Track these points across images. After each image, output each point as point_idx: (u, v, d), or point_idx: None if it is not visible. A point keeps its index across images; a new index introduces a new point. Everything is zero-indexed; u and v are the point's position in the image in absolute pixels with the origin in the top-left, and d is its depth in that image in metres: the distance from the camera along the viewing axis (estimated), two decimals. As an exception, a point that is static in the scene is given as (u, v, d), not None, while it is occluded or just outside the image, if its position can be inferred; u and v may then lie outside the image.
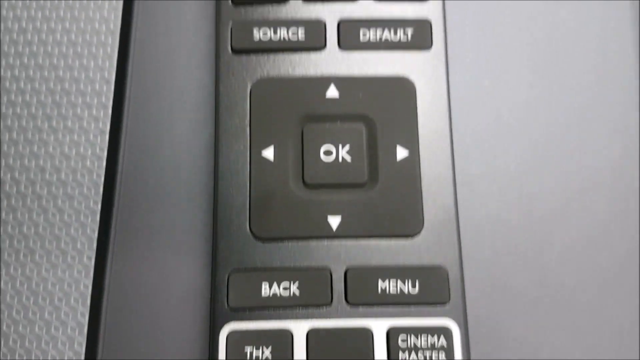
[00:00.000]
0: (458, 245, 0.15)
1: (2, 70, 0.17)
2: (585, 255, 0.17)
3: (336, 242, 0.14)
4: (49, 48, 0.18)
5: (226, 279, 0.14)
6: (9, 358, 0.15)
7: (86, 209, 0.16)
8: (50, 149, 0.17)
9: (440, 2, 0.16)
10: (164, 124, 0.17)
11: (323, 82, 0.16)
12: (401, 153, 0.15)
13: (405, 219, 0.14)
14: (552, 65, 0.18)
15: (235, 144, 0.15)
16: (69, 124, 0.17)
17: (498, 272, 0.17)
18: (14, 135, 0.17)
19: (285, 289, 0.14)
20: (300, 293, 0.14)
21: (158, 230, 0.17)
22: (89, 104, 0.17)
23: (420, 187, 0.15)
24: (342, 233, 0.14)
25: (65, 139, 0.17)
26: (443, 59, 0.16)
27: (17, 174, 0.17)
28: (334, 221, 0.14)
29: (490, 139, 0.18)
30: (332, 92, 0.16)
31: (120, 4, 0.18)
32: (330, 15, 0.16)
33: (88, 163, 0.17)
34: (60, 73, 0.17)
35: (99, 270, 0.16)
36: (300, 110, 0.15)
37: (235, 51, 0.16)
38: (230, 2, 0.16)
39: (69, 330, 0.16)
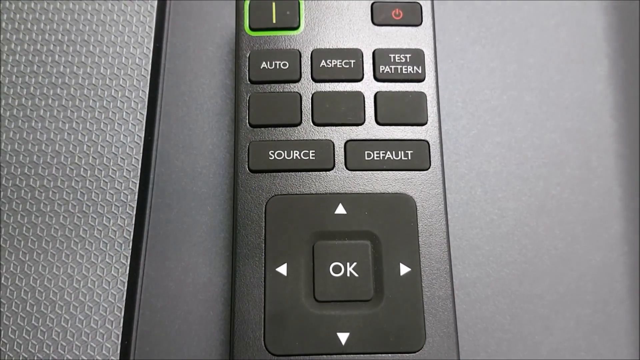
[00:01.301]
0: (457, 356, 0.16)
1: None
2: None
3: (345, 358, 0.15)
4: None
5: None
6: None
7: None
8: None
9: (437, 126, 0.18)
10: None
11: (332, 200, 0.17)
12: (404, 269, 0.16)
13: (408, 335, 0.16)
14: (548, 174, 0.20)
15: (251, 260, 0.16)
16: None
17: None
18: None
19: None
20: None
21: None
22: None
23: (422, 302, 0.16)
24: (350, 349, 0.15)
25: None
26: (440, 178, 0.18)
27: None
28: (343, 337, 0.16)
29: (484, 245, 0.19)
30: (340, 209, 0.17)
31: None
32: (338, 137, 0.18)
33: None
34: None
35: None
36: (311, 227, 0.17)
37: (253, 171, 0.17)
38: (248, 124, 0.18)
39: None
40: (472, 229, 0.19)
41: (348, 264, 0.16)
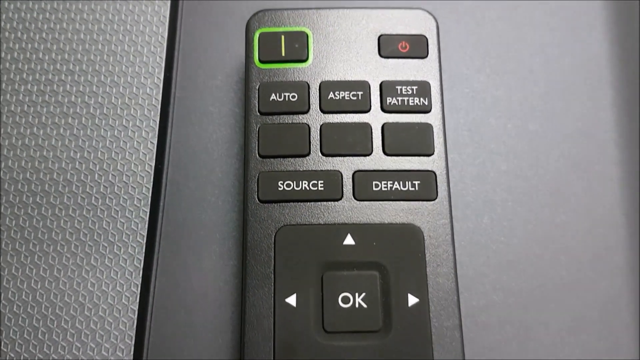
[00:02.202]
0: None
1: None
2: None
3: (354, 389, 0.16)
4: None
5: None
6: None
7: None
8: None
9: (444, 156, 0.18)
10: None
11: (341, 230, 0.17)
12: (412, 300, 0.17)
13: (417, 366, 0.16)
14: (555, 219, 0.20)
15: (261, 291, 0.17)
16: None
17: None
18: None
19: None
20: None
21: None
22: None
23: (430, 333, 0.16)
24: (360, 381, 0.16)
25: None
26: (447, 208, 0.18)
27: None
28: (352, 369, 0.16)
29: (491, 273, 0.19)
30: (349, 240, 0.17)
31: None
32: (346, 167, 0.18)
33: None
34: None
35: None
36: (320, 258, 0.17)
37: (262, 201, 0.18)
38: (257, 155, 0.18)
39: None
40: (478, 257, 0.20)
41: (357, 294, 0.17)
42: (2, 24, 0.21)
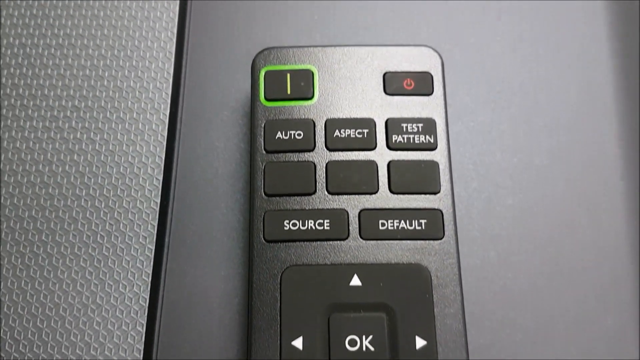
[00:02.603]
0: None
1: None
2: None
3: None
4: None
5: None
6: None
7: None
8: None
9: (450, 194, 0.18)
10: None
11: (347, 270, 0.17)
12: (420, 342, 0.16)
13: (425, 412, 0.16)
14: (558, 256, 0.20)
15: (267, 333, 0.17)
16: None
17: None
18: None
19: None
20: None
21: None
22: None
23: (438, 377, 0.16)
24: None
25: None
26: (454, 247, 0.18)
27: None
28: (360, 414, 0.16)
29: (498, 309, 0.19)
30: (356, 281, 0.17)
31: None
32: (352, 206, 0.18)
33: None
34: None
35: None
36: (326, 299, 0.17)
37: (268, 241, 0.18)
38: (263, 193, 0.18)
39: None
40: (485, 294, 0.19)
41: (364, 337, 0.16)
42: (7, 59, 0.21)
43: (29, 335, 0.18)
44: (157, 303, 0.19)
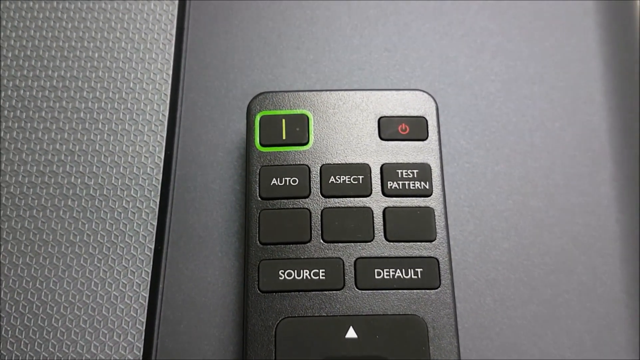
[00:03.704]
0: None
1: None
2: None
3: None
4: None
5: None
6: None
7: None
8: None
9: (446, 241, 0.18)
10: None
11: (343, 322, 0.17)
12: (416, 397, 0.16)
13: None
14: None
15: (262, 388, 0.16)
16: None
17: None
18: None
19: None
20: None
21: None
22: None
23: None
24: None
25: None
26: (450, 296, 0.18)
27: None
28: None
29: (494, 356, 0.19)
30: (351, 333, 0.17)
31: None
32: (348, 254, 0.18)
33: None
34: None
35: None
36: (322, 353, 0.17)
37: (263, 291, 0.17)
38: (258, 242, 0.18)
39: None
40: (481, 340, 0.19)
41: (360, 392, 0.16)
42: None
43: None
44: (152, 349, 0.19)
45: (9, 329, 0.18)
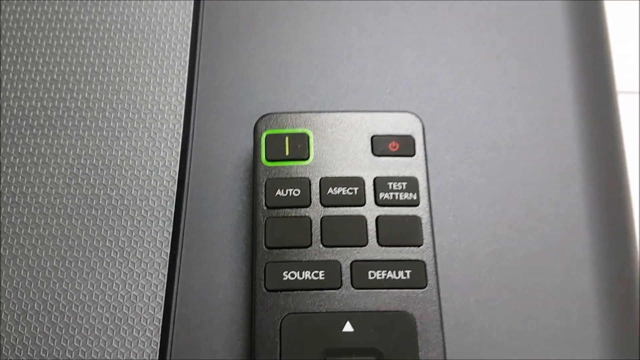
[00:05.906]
0: None
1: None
2: None
3: None
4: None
5: None
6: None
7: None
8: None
9: (432, 246, 0.20)
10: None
11: (340, 318, 0.19)
12: (406, 383, 0.18)
13: None
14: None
15: (269, 378, 0.18)
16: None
17: None
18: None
19: None
20: None
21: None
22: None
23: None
24: None
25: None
26: (436, 295, 0.20)
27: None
28: None
29: (477, 352, 0.21)
30: (348, 327, 0.19)
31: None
32: (345, 258, 0.20)
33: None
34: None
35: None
36: (322, 345, 0.19)
37: (269, 290, 0.20)
38: (265, 246, 0.20)
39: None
40: (466, 336, 0.21)
41: (356, 380, 0.18)
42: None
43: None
44: (166, 349, 0.21)
45: (37, 325, 0.21)
